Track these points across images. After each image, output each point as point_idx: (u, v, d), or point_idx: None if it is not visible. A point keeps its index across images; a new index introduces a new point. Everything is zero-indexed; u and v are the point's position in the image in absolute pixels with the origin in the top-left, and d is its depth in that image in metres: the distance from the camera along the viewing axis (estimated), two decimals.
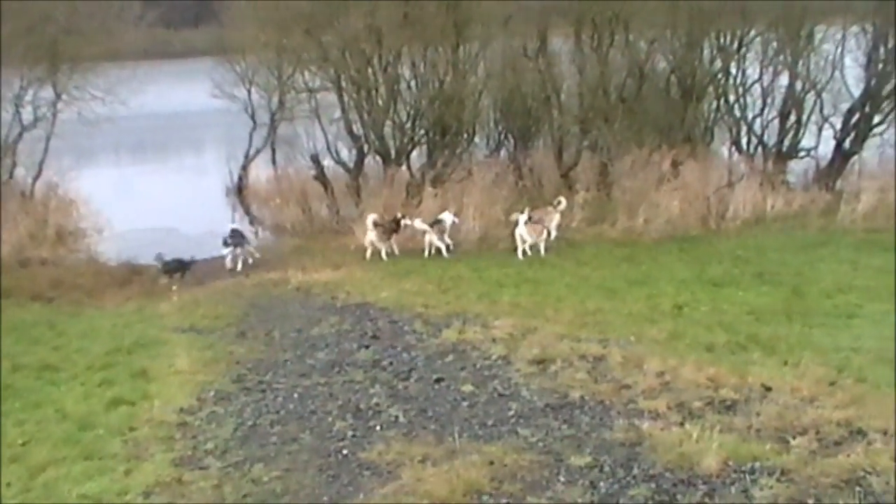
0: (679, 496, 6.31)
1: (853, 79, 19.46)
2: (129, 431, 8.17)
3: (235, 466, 7.28)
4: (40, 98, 20.59)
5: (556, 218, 16.61)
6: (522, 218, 15.58)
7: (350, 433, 7.84)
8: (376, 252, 15.88)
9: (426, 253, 15.93)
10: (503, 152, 21.51)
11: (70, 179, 21.31)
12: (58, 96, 20.54)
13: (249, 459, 7.40)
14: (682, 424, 7.49)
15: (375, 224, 15.92)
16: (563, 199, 16.86)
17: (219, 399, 8.98)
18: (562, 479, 6.72)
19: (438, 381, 9.12)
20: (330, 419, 8.21)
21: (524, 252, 15.56)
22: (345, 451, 7.45)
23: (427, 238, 16.08)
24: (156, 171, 29.79)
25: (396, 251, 15.95)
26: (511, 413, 8.15)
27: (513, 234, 15.74)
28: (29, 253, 17.67)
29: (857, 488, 6.24)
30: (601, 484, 6.58)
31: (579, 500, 6.37)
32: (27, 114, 20.46)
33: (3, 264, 16.57)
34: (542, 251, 15.63)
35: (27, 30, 19.64)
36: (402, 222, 15.99)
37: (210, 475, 7.14)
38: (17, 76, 20.10)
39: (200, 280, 15.36)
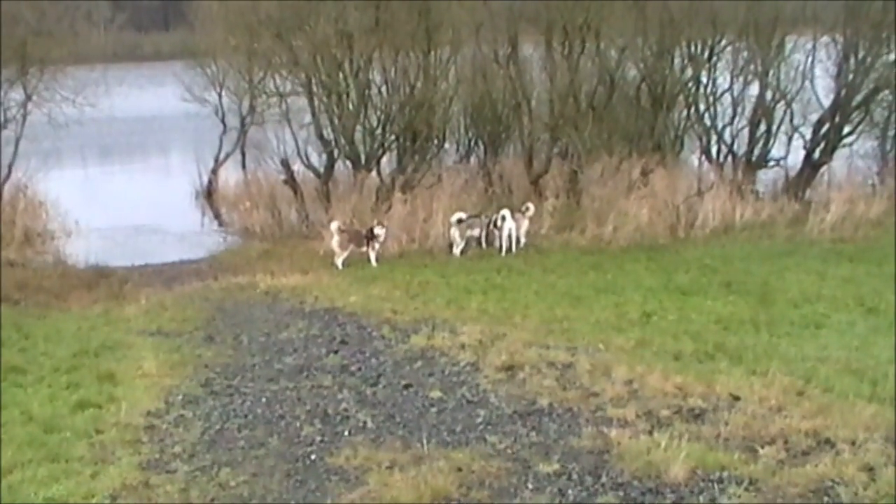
0: None
1: (823, 89, 19.67)
2: (95, 434, 8.07)
3: (202, 470, 7.22)
4: (10, 99, 20.40)
5: (525, 224, 16.71)
6: (454, 218, 16.08)
7: (318, 438, 7.80)
8: (348, 257, 15.77)
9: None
10: (473, 158, 21.56)
11: (38, 181, 21.13)
12: (27, 98, 20.34)
13: (217, 463, 7.34)
14: (649, 433, 7.52)
15: (339, 230, 15.84)
16: (530, 206, 16.93)
17: (186, 403, 8.91)
18: (530, 486, 6.73)
19: (407, 386, 9.11)
20: (297, 424, 8.17)
21: (462, 252, 16.14)
22: (312, 457, 7.42)
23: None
24: (124, 174, 29.55)
25: (374, 261, 15.81)
26: (479, 420, 8.16)
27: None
28: None
29: (825, 498, 6.30)
30: (569, 491, 6.59)
31: None
32: None
33: None
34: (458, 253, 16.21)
35: None
36: (377, 231, 15.89)
37: (177, 479, 7.08)
38: None
39: (168, 283, 15.23)
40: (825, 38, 19.53)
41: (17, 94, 20.40)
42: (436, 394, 8.83)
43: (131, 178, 28.46)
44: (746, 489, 6.44)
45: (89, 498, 6.78)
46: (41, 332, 11.98)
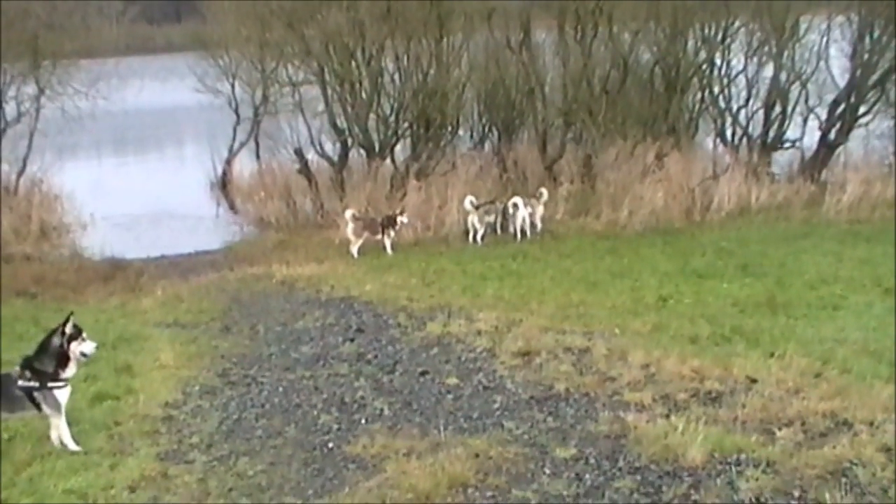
0: (664, 488, 6.32)
1: (838, 69, 19.54)
2: (113, 426, 8.09)
3: (220, 460, 7.24)
4: (23, 94, 20.49)
5: (540, 210, 16.69)
6: (467, 203, 16.14)
7: (335, 426, 7.81)
8: (363, 246, 15.78)
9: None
10: (487, 145, 21.54)
11: (53, 175, 21.23)
12: (41, 91, 20.42)
13: (234, 453, 7.36)
14: (666, 416, 7.50)
15: (354, 218, 15.86)
16: (544, 191, 16.90)
17: (203, 393, 8.94)
18: (547, 471, 6.71)
19: (423, 374, 9.11)
20: (315, 413, 8.18)
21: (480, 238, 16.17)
22: (329, 445, 7.42)
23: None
24: (139, 166, 29.63)
25: (389, 249, 15.82)
26: (496, 406, 8.14)
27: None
28: (12, 249, 17.57)
29: (843, 479, 6.26)
30: (586, 476, 6.58)
31: (564, 493, 6.37)
32: (10, 109, 20.36)
33: None
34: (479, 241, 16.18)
35: (7, 25, 19.51)
36: (399, 219, 15.89)
37: (195, 469, 7.09)
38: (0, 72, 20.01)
39: (184, 275, 15.29)
40: (840, 18, 19.40)
41: (30, 88, 20.50)
42: (452, 381, 8.82)
43: (146, 170, 28.53)
44: (764, 472, 6.41)
45: (108, 489, 6.80)
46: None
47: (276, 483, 6.79)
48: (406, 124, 19.38)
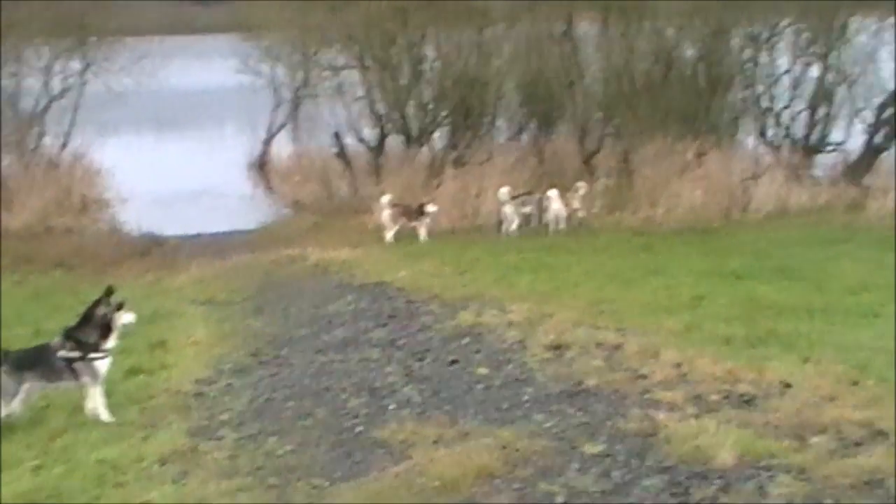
0: (693, 489, 6.25)
1: (887, 72, 19.21)
2: (146, 400, 8.21)
3: (250, 438, 7.28)
4: (69, 69, 20.73)
5: (576, 204, 16.64)
6: (502, 194, 16.01)
7: (364, 411, 7.81)
8: (393, 233, 15.80)
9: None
10: (525, 136, 21.44)
11: (95, 150, 21.46)
12: (86, 67, 20.64)
13: (264, 432, 7.39)
14: (697, 417, 7.41)
15: (391, 204, 15.89)
16: (582, 185, 16.83)
17: (235, 371, 9.01)
18: (575, 466, 6.67)
19: (453, 362, 9.08)
20: (344, 396, 8.19)
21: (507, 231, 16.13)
22: (358, 429, 7.42)
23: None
24: (178, 144, 29.85)
25: (422, 236, 15.84)
26: (525, 398, 8.10)
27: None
28: (53, 221, 17.87)
29: (878, 490, 6.16)
30: (614, 473, 6.52)
31: (592, 489, 6.32)
32: (56, 84, 20.60)
33: (28, 231, 16.75)
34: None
35: (55, 1, 19.76)
36: (427, 208, 15.90)
37: (225, 446, 7.14)
38: (47, 47, 20.24)
39: (219, 254, 15.39)
40: (891, 20, 19.07)
41: (75, 64, 20.72)
42: (482, 371, 8.79)
43: (185, 148, 28.76)
44: (795, 478, 6.32)
45: (140, 461, 6.86)
46: (96, 297, 12.14)
47: (304, 464, 6.80)
48: (445, 112, 19.36)
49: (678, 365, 8.71)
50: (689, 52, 20.09)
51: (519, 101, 21.28)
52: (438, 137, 19.84)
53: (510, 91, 20.69)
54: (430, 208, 15.84)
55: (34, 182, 18.93)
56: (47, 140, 20.82)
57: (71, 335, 7.74)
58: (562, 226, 16.30)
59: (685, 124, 19.23)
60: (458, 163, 18.65)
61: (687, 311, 11.04)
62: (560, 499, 6.14)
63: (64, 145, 20.91)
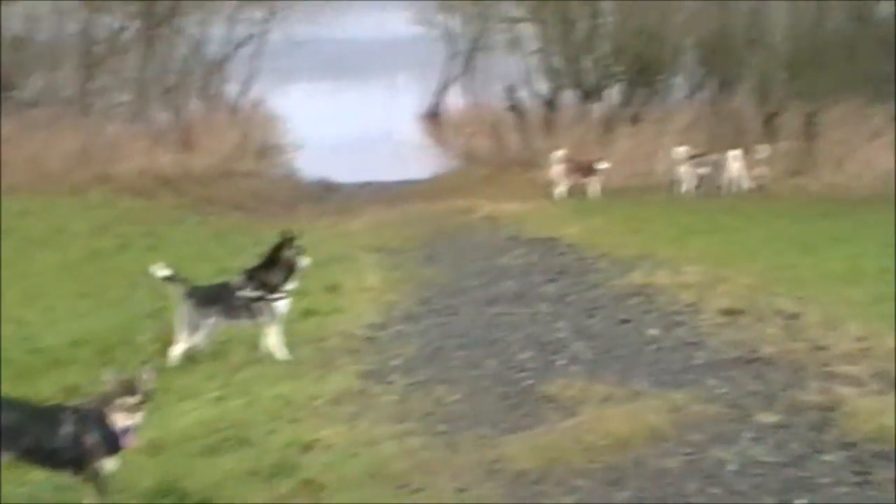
0: (876, 468, 5.96)
1: None
2: (320, 341, 8.45)
3: (419, 385, 7.39)
4: (252, 18, 21.36)
5: (756, 166, 16.07)
6: (679, 153, 15.61)
7: (533, 365, 7.80)
8: (566, 189, 15.69)
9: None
10: (703, 94, 20.79)
11: (274, 97, 22.12)
12: (268, 16, 21.23)
13: (433, 380, 7.49)
14: (882, 394, 7.07)
15: (563, 160, 15.75)
16: (763, 147, 16.23)
17: (406, 318, 9.16)
18: (748, 434, 6.46)
19: (624, 322, 8.95)
20: (514, 349, 8.20)
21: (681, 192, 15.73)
22: (527, 382, 7.41)
23: None
24: (353, 92, 30.40)
25: (593, 193, 15.66)
26: (697, 362, 7.90)
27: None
28: (234, 164, 18.55)
29: None
30: (792, 445, 6.28)
31: (766, 459, 6.12)
32: (240, 31, 21.28)
33: (209, 175, 17.46)
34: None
35: None
36: (599, 165, 15.68)
37: (394, 390, 7.28)
38: None
39: (391, 202, 15.64)
40: None
41: (259, 13, 21.33)
42: (653, 332, 8.63)
43: (359, 96, 29.27)
44: None
45: (314, 399, 7.07)
46: (272, 240, 12.55)
47: (472, 413, 6.85)
48: (621, 68, 18.99)
49: (862, 339, 8.29)
50: (886, 9, 18.92)
51: (698, 58, 20.63)
52: (613, 93, 19.48)
53: (689, 47, 20.07)
54: (602, 165, 15.61)
55: (216, 127, 19.68)
56: (229, 87, 21.57)
57: (253, 275, 8.00)
58: (743, 187, 15.76)
59: (877, 87, 18.19)
60: (633, 120, 18.31)
61: (872, 283, 10.52)
62: (732, 467, 5.97)
63: (245, 92, 21.62)
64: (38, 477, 5.30)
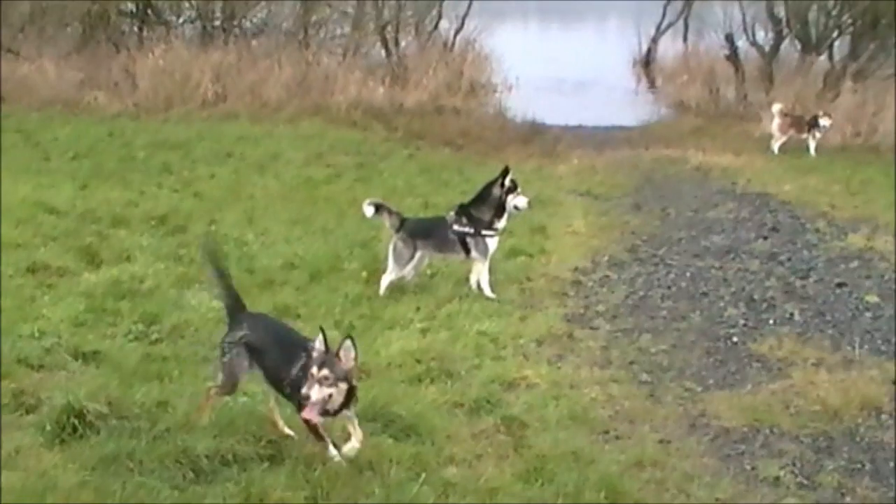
0: None
1: None
2: (525, 282, 8.55)
3: (624, 333, 7.39)
4: None
5: None
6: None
7: (741, 322, 7.65)
8: (785, 144, 15.07)
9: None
10: None
11: (486, 36, 22.21)
12: None
13: (637, 329, 7.47)
14: None
15: (782, 114, 15.12)
16: None
17: (612, 265, 9.14)
18: None
19: (840, 285, 8.60)
20: (721, 304, 8.06)
21: None
22: (734, 339, 7.29)
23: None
24: (564, 34, 30.15)
25: (812, 150, 14.97)
26: None
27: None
28: (444, 101, 18.80)
29: None
30: None
31: None
32: None
33: (421, 109, 17.79)
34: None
35: None
36: (820, 121, 14.95)
37: (599, 336, 7.31)
38: None
39: (599, 147, 15.52)
40: None
41: None
42: (872, 298, 8.26)
43: (571, 39, 29.02)
44: None
45: (517, 338, 7.19)
46: (481, 177, 12.70)
47: (676, 365, 6.81)
48: (850, 19, 17.95)
49: None
50: None
51: None
52: (839, 47, 18.47)
53: None
54: (824, 122, 14.87)
55: (429, 63, 19.95)
56: (444, 24, 21.80)
57: (465, 211, 8.15)
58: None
59: None
60: (859, 76, 17.31)
61: None
62: None
63: (458, 30, 21.80)
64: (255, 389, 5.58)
